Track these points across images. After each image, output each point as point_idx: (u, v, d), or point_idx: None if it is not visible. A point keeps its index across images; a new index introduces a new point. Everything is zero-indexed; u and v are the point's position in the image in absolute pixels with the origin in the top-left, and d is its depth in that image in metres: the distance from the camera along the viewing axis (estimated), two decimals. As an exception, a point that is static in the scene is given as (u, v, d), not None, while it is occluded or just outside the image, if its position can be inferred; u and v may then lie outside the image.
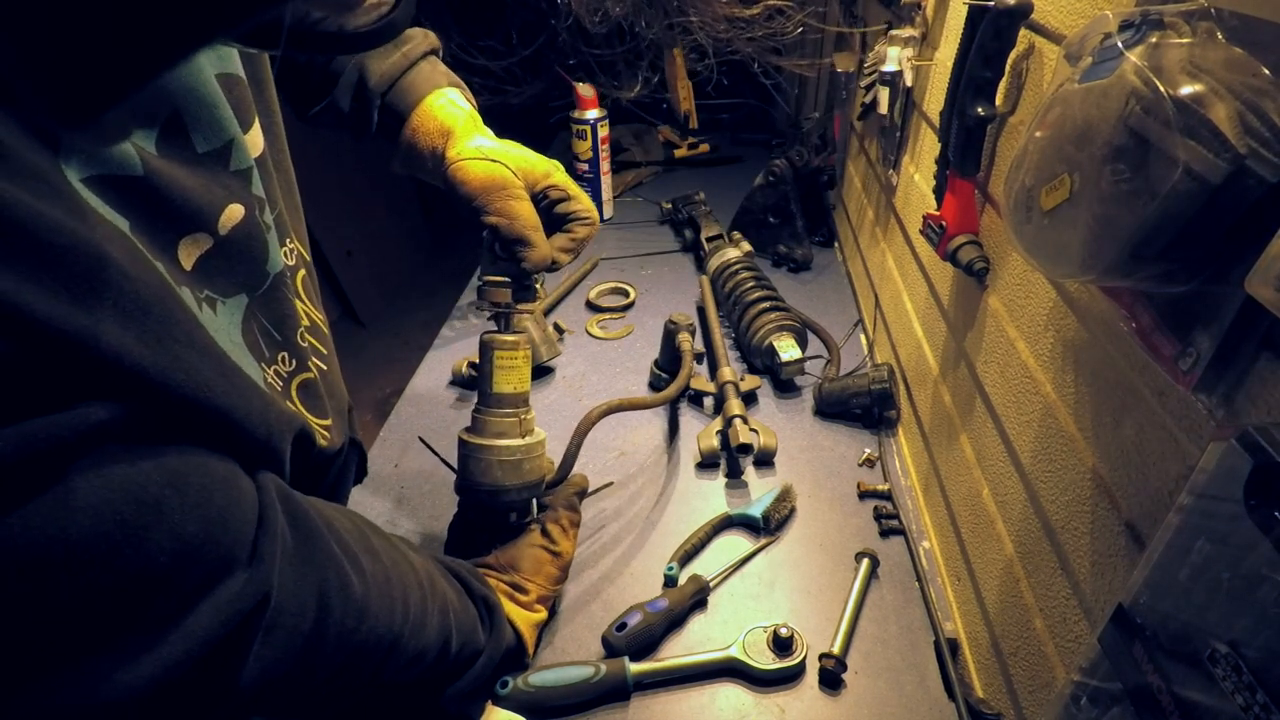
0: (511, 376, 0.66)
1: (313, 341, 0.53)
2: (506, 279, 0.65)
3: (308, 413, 0.49)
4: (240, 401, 0.35)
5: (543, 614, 0.64)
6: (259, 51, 0.45)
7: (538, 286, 0.68)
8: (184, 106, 0.36)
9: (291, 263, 0.50)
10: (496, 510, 0.66)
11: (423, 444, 0.88)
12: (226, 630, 0.33)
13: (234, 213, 0.39)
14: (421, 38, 0.65)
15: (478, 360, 0.67)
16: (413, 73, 0.63)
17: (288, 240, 0.50)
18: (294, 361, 0.48)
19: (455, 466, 0.66)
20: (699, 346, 0.99)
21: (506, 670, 0.61)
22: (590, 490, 0.75)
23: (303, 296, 0.53)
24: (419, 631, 0.48)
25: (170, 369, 0.30)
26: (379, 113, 0.62)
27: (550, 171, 0.65)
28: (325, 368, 0.54)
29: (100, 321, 0.27)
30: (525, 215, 0.62)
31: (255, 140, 0.44)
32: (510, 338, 0.65)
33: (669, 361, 0.96)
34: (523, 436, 0.64)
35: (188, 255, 0.36)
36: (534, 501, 0.68)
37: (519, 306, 0.66)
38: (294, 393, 0.48)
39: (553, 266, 0.66)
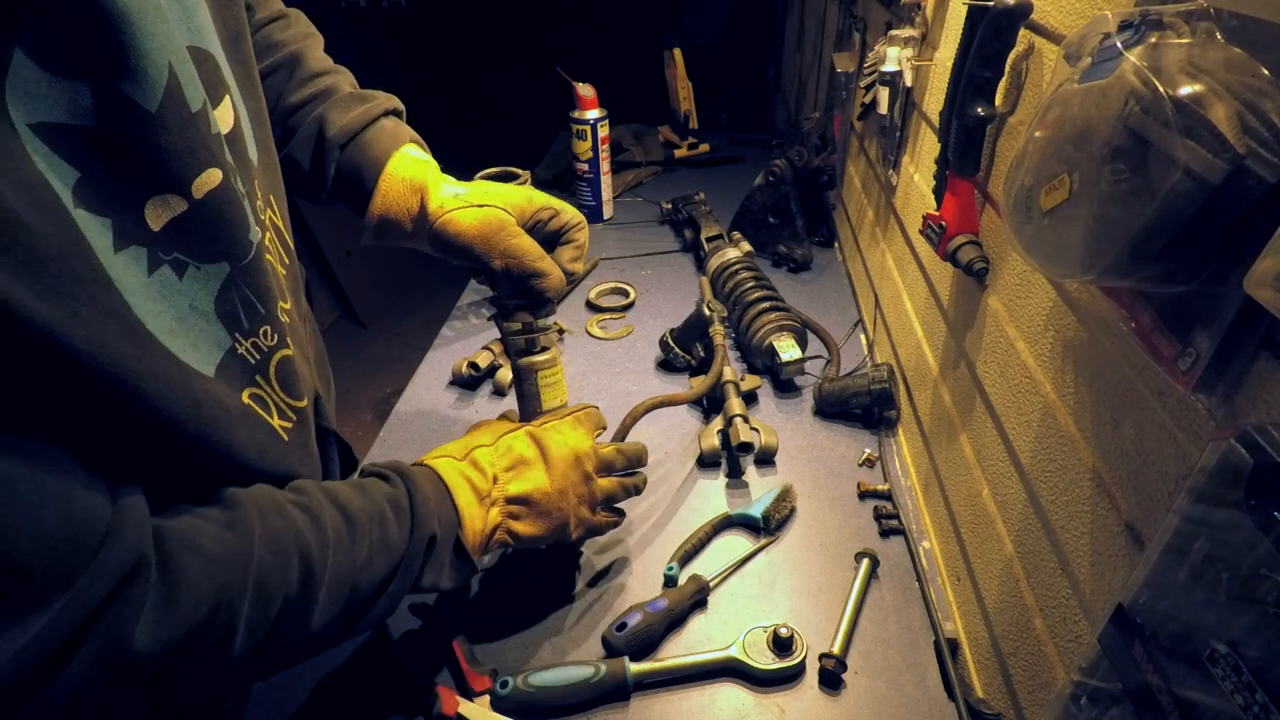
0: (557, 390, 0.67)
1: (293, 320, 0.52)
2: (522, 301, 0.65)
3: (284, 393, 0.48)
4: (155, 375, 0.34)
5: (496, 517, 0.57)
6: None
7: None
8: (176, 61, 0.36)
9: (266, 242, 0.49)
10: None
11: None
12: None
13: (211, 177, 0.39)
14: (385, 99, 0.65)
15: (515, 384, 0.68)
16: (373, 129, 0.63)
17: (263, 215, 0.49)
18: (276, 336, 0.47)
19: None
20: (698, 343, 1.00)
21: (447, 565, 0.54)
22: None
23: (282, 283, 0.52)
24: (325, 618, 0.45)
25: (68, 325, 0.29)
26: (335, 167, 0.62)
27: (531, 197, 0.65)
28: (300, 347, 0.53)
29: None
30: (530, 249, 0.62)
31: (224, 117, 0.43)
32: (547, 356, 0.66)
33: (684, 336, 0.98)
34: None
35: (156, 216, 0.36)
36: None
37: (540, 322, 0.66)
38: (273, 369, 0.47)
39: (573, 278, 0.67)
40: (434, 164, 0.65)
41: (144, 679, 0.36)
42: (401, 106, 0.67)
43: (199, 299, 0.39)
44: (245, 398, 0.44)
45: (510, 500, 0.58)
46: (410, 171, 0.62)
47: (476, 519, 0.55)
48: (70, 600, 0.31)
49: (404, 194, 0.62)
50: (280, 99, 0.62)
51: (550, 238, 0.66)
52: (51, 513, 0.31)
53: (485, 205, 0.61)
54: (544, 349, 0.67)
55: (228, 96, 0.44)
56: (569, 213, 0.67)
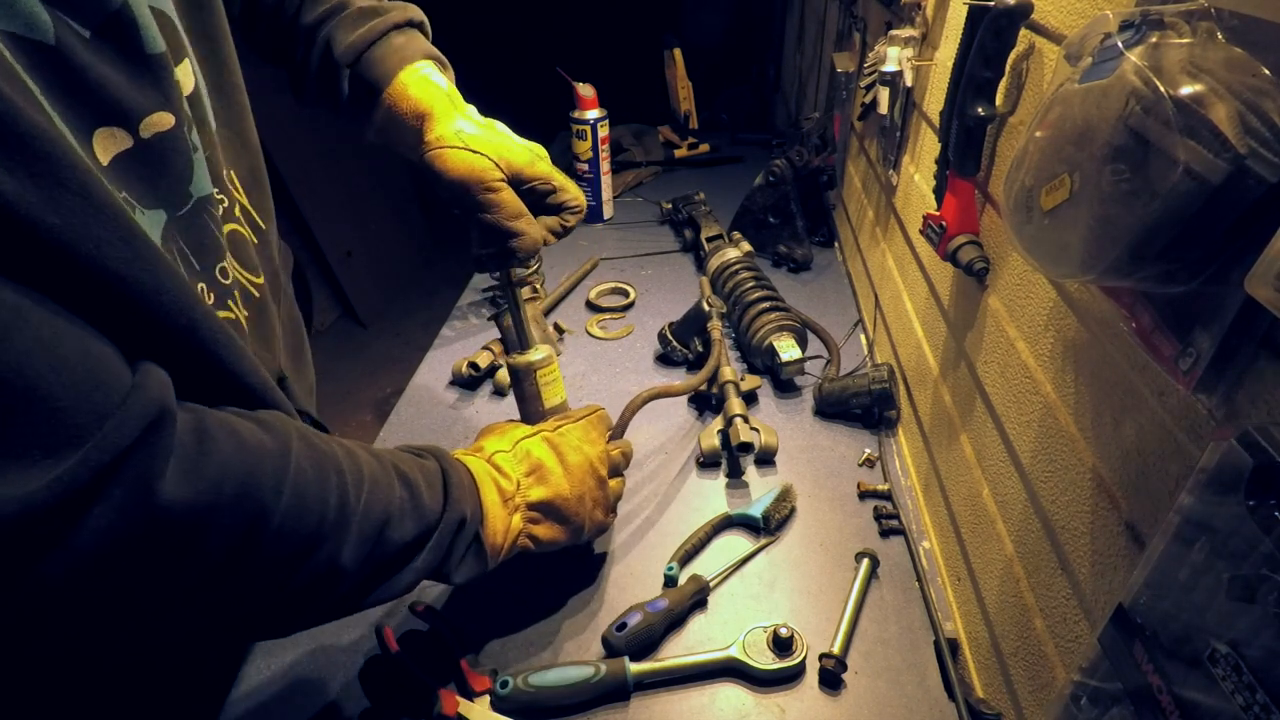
0: (556, 389, 0.68)
1: (243, 275, 0.50)
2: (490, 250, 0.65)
3: None
4: (148, 276, 0.33)
5: (519, 523, 0.57)
6: None
7: (538, 286, 0.69)
8: (131, 3, 0.36)
9: (219, 205, 0.47)
10: None
11: None
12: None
13: (162, 120, 0.38)
14: (398, 11, 0.63)
15: (512, 386, 0.68)
16: (381, 45, 0.61)
17: (225, 179, 0.48)
18: (212, 295, 0.45)
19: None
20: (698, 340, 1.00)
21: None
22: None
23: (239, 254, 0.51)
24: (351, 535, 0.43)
25: (43, 208, 0.28)
26: (349, 84, 0.61)
27: (533, 160, 0.63)
28: (249, 315, 0.51)
29: None
30: (508, 204, 0.61)
31: (184, 79, 0.43)
32: (541, 355, 0.66)
33: (682, 330, 0.99)
34: None
35: (104, 149, 0.35)
36: None
37: (514, 273, 0.66)
38: None
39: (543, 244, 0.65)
40: (451, 93, 0.62)
41: (172, 537, 0.34)
42: (421, 17, 0.65)
43: None
44: None
45: (532, 506, 0.58)
46: (419, 93, 0.60)
47: (499, 519, 0.55)
48: (100, 439, 0.30)
49: (406, 114, 0.61)
50: (295, 21, 0.61)
51: (545, 210, 0.65)
52: (70, 348, 0.30)
53: (477, 152, 0.60)
54: (538, 345, 0.67)
55: (187, 60, 0.44)
56: (570, 192, 0.65)
